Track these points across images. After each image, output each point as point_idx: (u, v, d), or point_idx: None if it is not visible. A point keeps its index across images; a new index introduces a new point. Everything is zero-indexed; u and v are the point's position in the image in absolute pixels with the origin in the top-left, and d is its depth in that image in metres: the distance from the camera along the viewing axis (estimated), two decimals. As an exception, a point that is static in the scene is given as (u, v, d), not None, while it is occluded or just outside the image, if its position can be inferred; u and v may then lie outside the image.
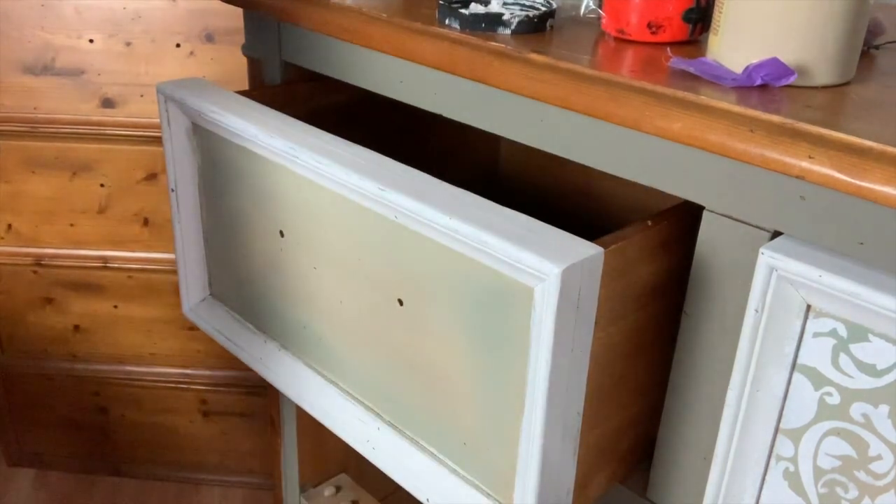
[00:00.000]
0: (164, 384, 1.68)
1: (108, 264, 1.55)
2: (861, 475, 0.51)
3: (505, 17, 0.69)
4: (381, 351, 0.68)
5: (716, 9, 0.60)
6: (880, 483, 0.51)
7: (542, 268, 0.50)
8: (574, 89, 0.60)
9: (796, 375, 0.52)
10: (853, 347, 0.49)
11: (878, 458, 0.50)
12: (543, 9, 0.71)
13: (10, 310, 1.62)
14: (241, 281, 0.83)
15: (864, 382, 0.50)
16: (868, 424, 0.50)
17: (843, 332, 0.50)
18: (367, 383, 0.72)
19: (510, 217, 0.55)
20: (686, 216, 0.60)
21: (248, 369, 0.84)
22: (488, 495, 0.63)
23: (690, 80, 0.58)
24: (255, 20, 0.90)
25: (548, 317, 0.51)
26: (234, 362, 1.70)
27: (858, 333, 0.49)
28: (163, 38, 1.33)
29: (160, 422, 1.73)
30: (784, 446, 0.54)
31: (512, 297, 0.54)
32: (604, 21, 0.69)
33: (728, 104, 0.54)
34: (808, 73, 0.57)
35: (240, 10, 0.90)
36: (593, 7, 0.73)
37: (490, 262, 0.54)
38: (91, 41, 1.33)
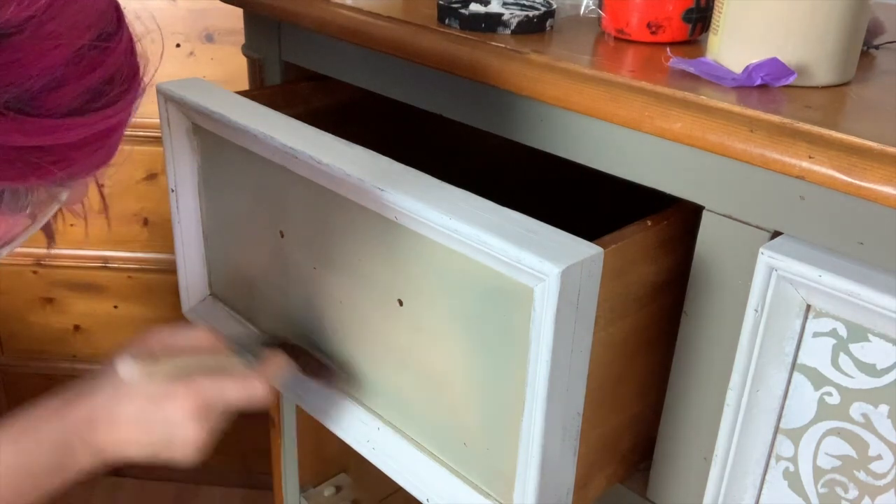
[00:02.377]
0: (164, 384, 1.68)
1: (108, 264, 1.55)
2: (861, 475, 0.51)
3: (505, 17, 0.69)
4: (380, 351, 0.68)
5: (716, 9, 0.60)
6: (880, 483, 0.51)
7: (541, 268, 0.50)
8: (574, 89, 0.60)
9: (796, 375, 0.52)
10: (853, 347, 0.49)
11: (878, 457, 0.50)
12: (543, 9, 0.71)
13: (10, 310, 1.62)
14: (241, 281, 0.83)
15: (864, 382, 0.50)
16: (868, 424, 0.50)
17: (842, 331, 0.50)
18: (367, 383, 0.72)
19: (510, 217, 0.55)
20: (686, 216, 0.60)
21: (248, 369, 0.84)
22: (488, 495, 0.63)
23: (690, 80, 0.58)
24: (255, 20, 0.90)
25: (548, 317, 0.51)
26: (234, 362, 1.69)
27: (858, 333, 0.49)
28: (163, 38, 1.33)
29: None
30: (784, 446, 0.54)
31: (512, 297, 0.54)
32: (604, 21, 0.69)
33: (728, 104, 0.54)
34: (808, 73, 0.57)
35: (240, 10, 0.90)
36: (593, 7, 0.73)
37: (490, 262, 0.54)
38: (91, 41, 1.33)
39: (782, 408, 0.54)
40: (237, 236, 0.81)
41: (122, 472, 1.83)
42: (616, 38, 0.68)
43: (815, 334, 0.51)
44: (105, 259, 1.54)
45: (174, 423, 0.61)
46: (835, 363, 0.51)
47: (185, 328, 0.66)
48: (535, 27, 0.70)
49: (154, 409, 0.61)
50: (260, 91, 0.88)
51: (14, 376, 1.71)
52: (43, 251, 1.54)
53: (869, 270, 0.48)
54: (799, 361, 0.52)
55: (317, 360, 0.74)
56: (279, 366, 0.69)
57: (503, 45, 0.66)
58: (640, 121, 0.57)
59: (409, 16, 0.74)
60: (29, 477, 0.59)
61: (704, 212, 0.57)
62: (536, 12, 0.70)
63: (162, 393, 0.61)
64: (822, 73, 0.57)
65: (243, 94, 0.80)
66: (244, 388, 0.64)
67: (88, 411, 0.61)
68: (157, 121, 0.80)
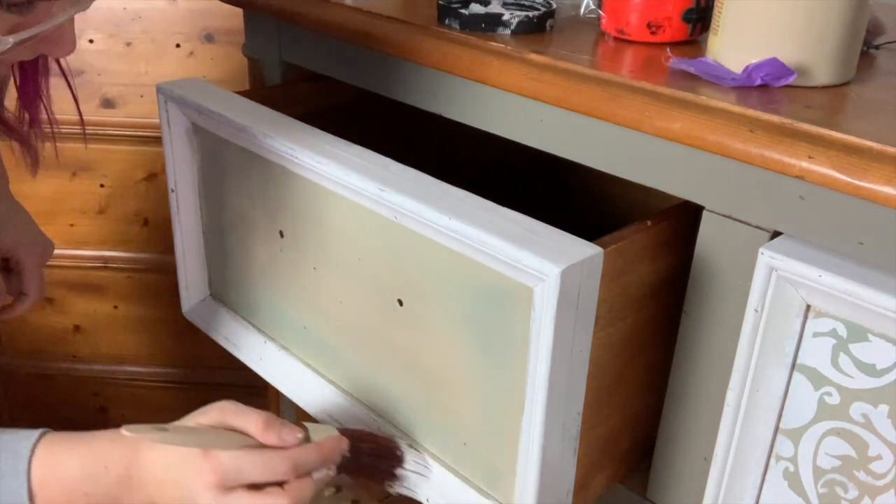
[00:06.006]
0: (164, 384, 1.68)
1: (108, 264, 1.55)
2: (861, 475, 0.51)
3: (505, 18, 0.69)
4: (380, 351, 0.68)
5: (715, 9, 0.60)
6: (880, 483, 0.51)
7: (541, 268, 0.50)
8: (574, 89, 0.60)
9: (796, 375, 0.52)
10: (853, 347, 0.50)
11: (878, 457, 0.50)
12: (543, 9, 0.71)
13: (10, 310, 1.62)
14: (241, 281, 0.83)
15: (864, 382, 0.50)
16: (868, 424, 0.50)
17: (842, 331, 0.50)
18: (367, 383, 0.72)
19: (510, 217, 0.55)
20: (686, 216, 0.60)
21: (248, 369, 0.84)
22: (488, 495, 0.63)
23: (690, 80, 0.58)
24: (255, 20, 0.90)
25: (547, 317, 0.51)
26: (234, 362, 1.69)
27: (858, 333, 0.49)
28: (163, 38, 1.33)
29: (160, 422, 1.73)
30: (784, 446, 0.54)
31: (512, 298, 0.54)
32: (603, 21, 0.69)
33: (728, 104, 0.54)
34: (807, 73, 0.57)
35: (240, 10, 0.90)
36: (593, 7, 0.73)
37: (490, 262, 0.54)
38: (91, 41, 1.33)
39: (782, 408, 0.54)
40: (237, 236, 0.81)
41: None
42: (616, 38, 0.68)
43: (815, 334, 0.51)
44: (105, 259, 1.54)
45: (193, 493, 0.58)
46: (835, 363, 0.51)
47: (241, 412, 0.60)
48: (535, 27, 0.70)
49: (175, 476, 0.58)
50: (260, 91, 0.88)
51: (14, 376, 1.71)
52: (43, 251, 1.54)
53: (869, 270, 0.48)
54: (799, 361, 0.52)
55: (379, 442, 0.67)
56: (322, 449, 0.61)
57: (503, 46, 0.66)
58: (640, 121, 0.57)
59: (409, 16, 0.74)
60: (86, 498, 0.59)
61: (704, 212, 0.57)
62: (536, 12, 0.70)
63: (179, 459, 0.58)
64: (822, 73, 0.57)
65: (243, 94, 0.80)
66: (266, 466, 0.58)
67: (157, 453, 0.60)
68: (157, 121, 0.80)
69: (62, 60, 0.67)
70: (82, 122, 0.78)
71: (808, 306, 0.51)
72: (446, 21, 0.71)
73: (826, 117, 0.52)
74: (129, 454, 0.60)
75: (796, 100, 0.55)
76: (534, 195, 1.06)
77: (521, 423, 0.56)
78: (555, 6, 0.72)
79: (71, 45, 0.55)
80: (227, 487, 0.57)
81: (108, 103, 1.37)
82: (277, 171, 0.70)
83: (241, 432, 0.59)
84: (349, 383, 0.74)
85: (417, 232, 0.59)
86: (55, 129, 0.75)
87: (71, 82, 0.72)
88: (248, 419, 0.59)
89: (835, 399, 0.51)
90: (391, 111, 0.85)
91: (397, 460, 0.67)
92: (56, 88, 0.71)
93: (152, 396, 1.70)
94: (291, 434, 0.59)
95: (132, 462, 0.59)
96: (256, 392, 1.68)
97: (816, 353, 0.51)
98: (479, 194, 0.59)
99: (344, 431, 0.64)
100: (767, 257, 0.51)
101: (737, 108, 0.53)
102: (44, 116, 0.72)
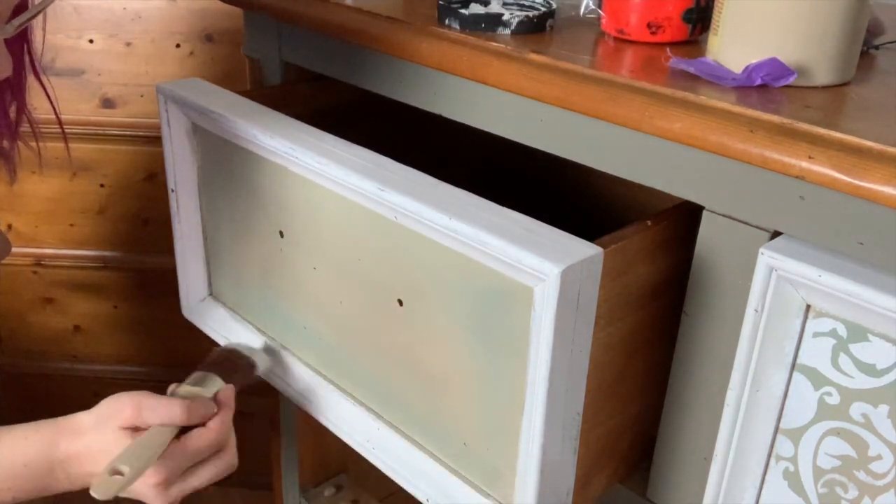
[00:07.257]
0: (164, 384, 1.68)
1: (108, 264, 1.55)
2: (861, 475, 0.51)
3: (505, 18, 0.69)
4: (380, 351, 0.68)
5: (715, 9, 0.60)
6: (880, 483, 0.51)
7: (541, 268, 0.50)
8: (574, 89, 0.60)
9: (796, 375, 0.52)
10: (853, 347, 0.50)
11: (878, 457, 0.50)
12: (543, 9, 0.71)
13: (10, 310, 1.62)
14: (241, 281, 0.83)
15: (864, 382, 0.50)
16: (868, 424, 0.50)
17: (842, 331, 0.50)
18: (367, 383, 0.72)
19: (510, 217, 0.55)
20: (686, 216, 0.60)
21: (248, 369, 0.84)
22: (488, 495, 0.63)
23: (690, 80, 0.58)
24: (255, 20, 0.90)
25: (547, 317, 0.51)
26: (234, 362, 1.69)
27: (858, 333, 0.49)
28: (163, 38, 1.33)
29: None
30: (784, 446, 0.54)
31: (512, 298, 0.54)
32: (603, 21, 0.69)
33: (728, 104, 0.54)
34: (807, 73, 0.57)
35: (240, 10, 0.90)
36: (593, 7, 0.73)
37: (490, 262, 0.54)
38: (91, 41, 1.33)
39: (782, 408, 0.54)
40: (237, 236, 0.81)
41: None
42: (616, 39, 0.68)
43: (815, 334, 0.51)
44: (105, 259, 1.54)
45: (141, 494, 0.67)
46: (835, 363, 0.51)
47: (153, 401, 0.70)
48: (535, 27, 0.70)
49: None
50: (260, 91, 0.88)
51: (14, 376, 1.71)
52: (43, 251, 1.54)
53: (869, 270, 0.48)
54: (799, 361, 0.52)
55: (245, 361, 0.79)
56: (227, 400, 0.73)
57: (503, 46, 0.66)
58: (640, 121, 0.57)
59: (409, 16, 0.74)
60: (9, 493, 0.66)
61: (704, 212, 0.57)
62: (536, 12, 0.70)
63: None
64: (822, 73, 0.57)
65: (243, 94, 0.80)
66: (200, 453, 0.68)
67: (78, 448, 0.67)
68: (157, 121, 0.80)
69: (35, 62, 0.68)
70: (59, 122, 0.78)
71: (808, 306, 0.51)
72: (446, 21, 0.71)
73: (826, 117, 0.52)
74: (46, 451, 0.66)
75: (796, 100, 0.55)
76: (534, 195, 1.06)
77: (521, 423, 0.56)
78: (555, 6, 0.72)
79: (4, 67, 0.54)
80: (174, 483, 0.67)
81: (108, 103, 1.37)
82: (277, 171, 0.70)
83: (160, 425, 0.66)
84: (349, 383, 0.74)
85: (417, 232, 0.59)
86: (37, 132, 0.76)
87: (44, 81, 0.72)
88: (168, 414, 0.67)
89: (835, 399, 0.51)
90: (391, 111, 0.85)
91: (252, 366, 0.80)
92: (57, 88, 0.71)
93: (152, 396, 1.69)
94: (208, 409, 0.70)
95: (52, 459, 0.66)
96: (256, 392, 1.68)
97: (816, 353, 0.51)
98: (479, 194, 0.59)
99: (219, 354, 0.81)
100: (767, 257, 0.51)
101: (737, 108, 0.53)
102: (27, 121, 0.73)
